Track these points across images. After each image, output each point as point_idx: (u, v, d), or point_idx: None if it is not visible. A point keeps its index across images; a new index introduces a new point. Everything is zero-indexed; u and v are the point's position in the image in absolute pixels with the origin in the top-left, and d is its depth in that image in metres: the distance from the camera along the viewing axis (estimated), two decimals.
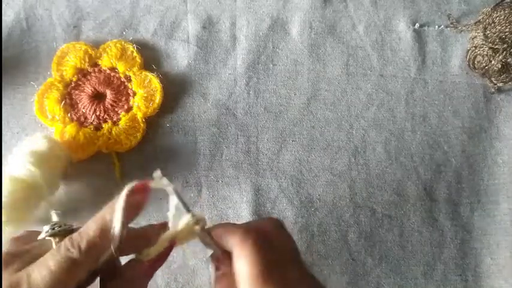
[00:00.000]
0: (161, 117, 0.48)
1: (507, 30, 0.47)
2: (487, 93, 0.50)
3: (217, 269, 0.29)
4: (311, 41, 0.51)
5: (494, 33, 0.48)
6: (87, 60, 0.48)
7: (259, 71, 0.50)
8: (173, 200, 0.30)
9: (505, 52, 0.47)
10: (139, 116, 0.47)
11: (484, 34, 0.48)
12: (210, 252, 0.31)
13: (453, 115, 0.49)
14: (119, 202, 0.27)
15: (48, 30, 0.50)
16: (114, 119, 0.47)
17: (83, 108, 0.47)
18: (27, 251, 0.27)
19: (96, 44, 0.49)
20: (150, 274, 0.30)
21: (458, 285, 0.45)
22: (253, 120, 0.49)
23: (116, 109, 0.47)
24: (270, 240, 0.27)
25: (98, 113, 0.47)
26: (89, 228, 0.27)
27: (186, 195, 0.46)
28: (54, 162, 0.42)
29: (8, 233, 0.38)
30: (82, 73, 0.48)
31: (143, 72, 0.48)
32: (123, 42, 0.49)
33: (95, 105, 0.47)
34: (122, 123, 0.47)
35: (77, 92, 0.48)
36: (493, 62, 0.47)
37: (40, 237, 0.28)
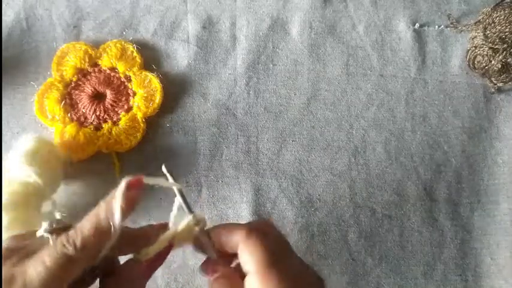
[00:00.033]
0: (161, 117, 0.48)
1: (507, 30, 0.47)
2: (487, 93, 0.50)
3: (214, 271, 0.30)
4: (311, 41, 0.51)
5: (494, 33, 0.48)
6: (87, 60, 0.48)
7: (259, 71, 0.50)
8: (177, 200, 0.30)
9: (505, 52, 0.47)
10: (139, 116, 0.47)
11: (484, 34, 0.48)
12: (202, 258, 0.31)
13: (453, 115, 0.49)
14: (116, 198, 0.27)
15: (48, 30, 0.50)
16: (114, 119, 0.47)
17: (83, 108, 0.47)
18: (25, 247, 0.27)
19: (96, 44, 0.49)
20: (148, 274, 0.30)
21: (458, 285, 0.45)
22: (253, 120, 0.49)
23: (116, 109, 0.47)
24: (270, 234, 0.29)
25: (98, 113, 0.47)
26: (83, 226, 0.27)
27: (188, 195, 0.46)
28: (49, 160, 0.42)
29: (10, 234, 0.38)
30: (82, 73, 0.48)
31: (143, 72, 0.48)
32: (123, 42, 0.49)
33: (95, 105, 0.47)
34: (122, 123, 0.47)
35: (77, 92, 0.48)
36: (493, 62, 0.47)
37: (38, 233, 0.28)
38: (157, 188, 0.31)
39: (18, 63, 0.49)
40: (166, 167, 0.30)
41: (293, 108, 0.49)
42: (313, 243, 0.45)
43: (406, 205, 0.47)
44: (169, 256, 0.30)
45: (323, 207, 0.46)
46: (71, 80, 0.48)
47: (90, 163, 0.46)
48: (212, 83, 0.49)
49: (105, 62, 0.48)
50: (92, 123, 0.47)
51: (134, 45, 0.49)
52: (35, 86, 0.48)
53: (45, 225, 0.28)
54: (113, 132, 0.46)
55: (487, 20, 0.49)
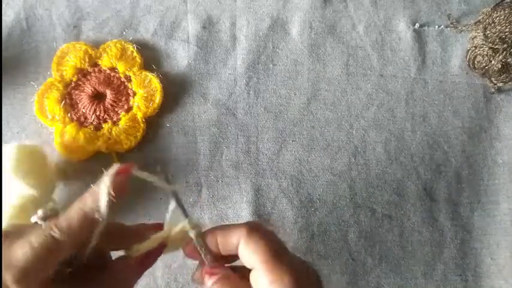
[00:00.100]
0: (161, 117, 0.48)
1: (507, 30, 0.47)
2: (487, 93, 0.50)
3: (212, 274, 0.30)
4: (311, 41, 0.51)
5: (494, 33, 0.48)
6: (87, 60, 0.48)
7: (259, 71, 0.50)
8: (172, 204, 0.30)
9: (505, 52, 0.47)
10: (139, 116, 0.47)
11: (484, 34, 0.48)
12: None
13: (453, 115, 0.49)
14: (103, 183, 0.28)
15: (48, 30, 0.50)
16: (114, 119, 0.47)
17: (83, 108, 0.47)
18: (17, 232, 0.28)
19: (96, 44, 0.49)
20: (139, 272, 0.31)
21: (458, 285, 0.45)
22: (253, 120, 0.49)
23: (116, 109, 0.47)
24: (269, 232, 0.30)
25: (98, 113, 0.47)
26: (70, 210, 0.28)
27: (185, 197, 0.46)
28: (37, 166, 0.41)
29: None
30: (82, 73, 0.48)
31: (143, 72, 0.48)
32: (123, 42, 0.49)
33: (95, 105, 0.47)
34: (122, 123, 0.47)
35: (77, 92, 0.48)
36: (493, 62, 0.47)
37: (32, 219, 0.28)
38: (157, 188, 0.31)
39: (18, 63, 0.49)
40: (166, 167, 0.30)
41: (293, 108, 0.49)
42: (313, 243, 0.45)
43: (406, 205, 0.47)
44: (169, 256, 0.31)
45: (323, 207, 0.46)
46: (71, 80, 0.48)
47: (90, 163, 0.46)
48: (212, 83, 0.49)
49: (105, 62, 0.48)
50: (92, 123, 0.47)
51: (134, 45, 0.49)
52: (35, 86, 0.48)
53: (39, 212, 0.28)
54: (113, 132, 0.46)
55: (487, 20, 0.49)
